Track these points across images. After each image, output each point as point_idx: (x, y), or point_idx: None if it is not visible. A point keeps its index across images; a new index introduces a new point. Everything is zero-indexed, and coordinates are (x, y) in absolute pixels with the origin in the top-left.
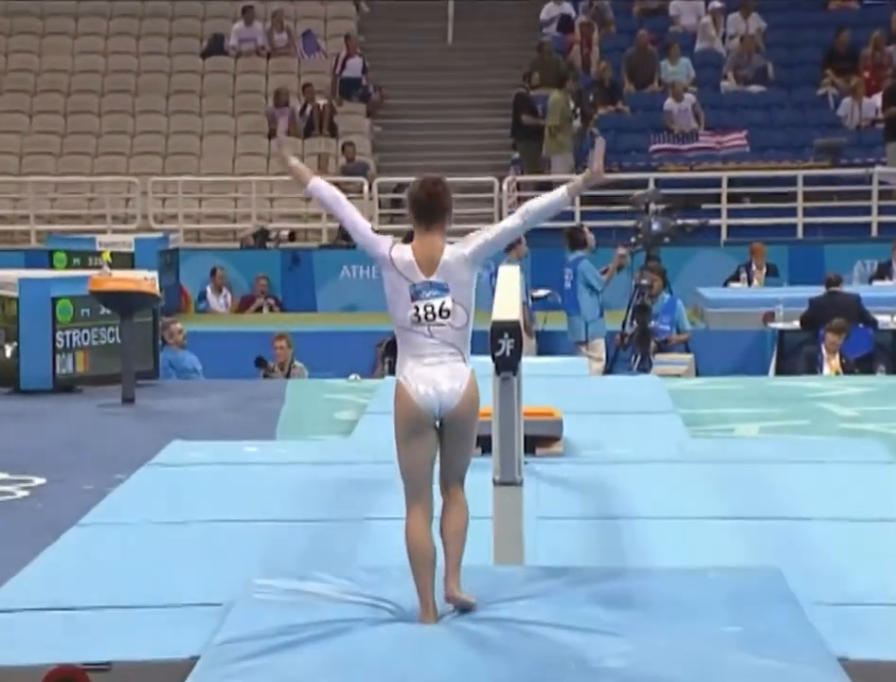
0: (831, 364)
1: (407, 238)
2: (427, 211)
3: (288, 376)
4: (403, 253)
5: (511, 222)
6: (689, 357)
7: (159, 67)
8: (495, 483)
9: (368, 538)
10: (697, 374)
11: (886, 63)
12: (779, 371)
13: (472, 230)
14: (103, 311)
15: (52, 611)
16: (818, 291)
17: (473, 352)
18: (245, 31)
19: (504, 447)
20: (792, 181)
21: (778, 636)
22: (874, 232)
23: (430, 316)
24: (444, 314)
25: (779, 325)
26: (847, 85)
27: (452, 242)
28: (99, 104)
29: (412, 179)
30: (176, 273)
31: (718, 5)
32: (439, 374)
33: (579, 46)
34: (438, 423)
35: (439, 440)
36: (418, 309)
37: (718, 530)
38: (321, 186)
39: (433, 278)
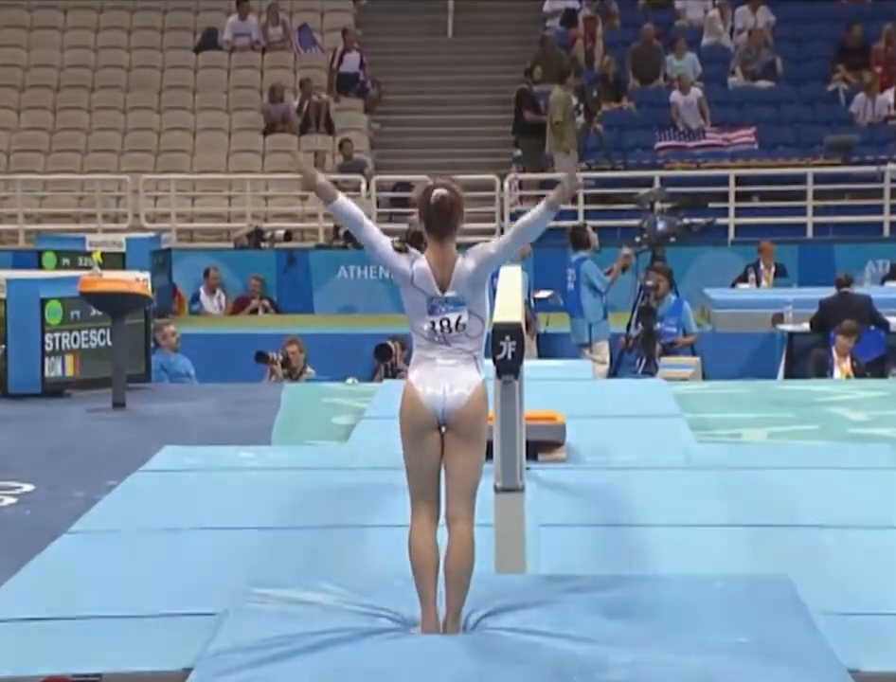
0: (841, 367)
1: (412, 238)
2: (439, 225)
3: (296, 380)
4: (420, 266)
5: (506, 237)
6: (695, 360)
7: (151, 62)
8: (497, 490)
9: (366, 546)
10: (704, 378)
11: None
12: (788, 375)
13: (472, 229)
14: (94, 312)
15: (41, 621)
16: (829, 292)
17: None
18: (240, 25)
19: (505, 452)
20: (801, 179)
21: (787, 646)
22: (886, 231)
23: (447, 330)
24: (461, 327)
25: (789, 327)
26: (858, 81)
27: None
28: (89, 100)
29: (411, 177)
30: (169, 273)
31: None
32: (449, 377)
33: (582, 41)
34: (443, 428)
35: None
36: (434, 323)
37: (725, 538)
38: (346, 204)
39: (448, 294)
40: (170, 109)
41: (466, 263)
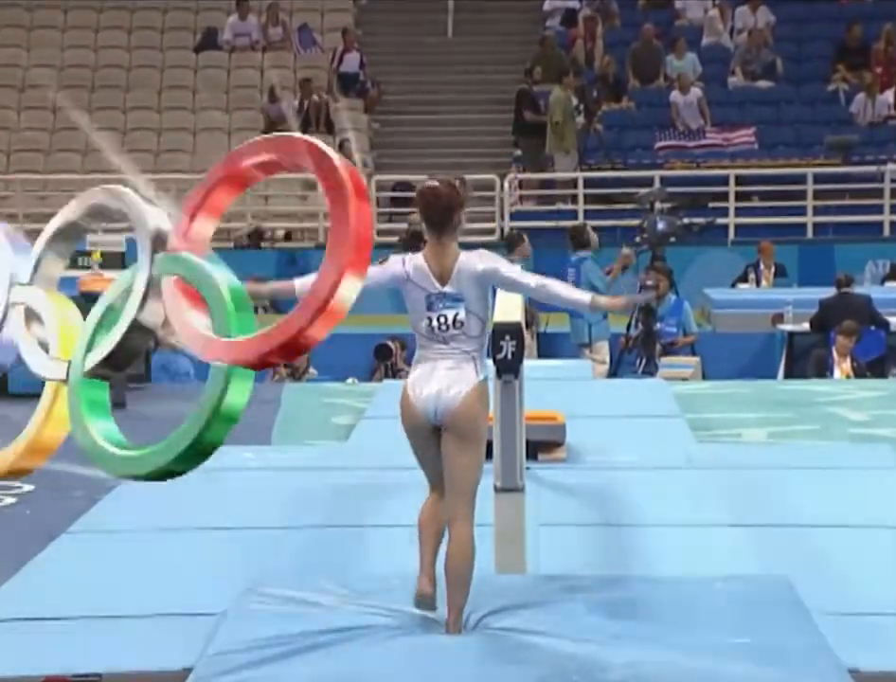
0: (841, 367)
1: (410, 238)
2: (431, 216)
3: (299, 380)
4: (417, 263)
5: (529, 280)
6: (695, 360)
7: (151, 62)
8: (496, 489)
9: (366, 546)
10: (704, 378)
11: None
12: (788, 375)
13: (472, 229)
14: None
15: (41, 621)
16: (829, 292)
17: None
18: (240, 25)
19: (505, 452)
20: (801, 179)
21: (786, 646)
22: (886, 231)
23: (444, 328)
24: (458, 324)
25: (789, 327)
26: (858, 81)
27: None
28: (89, 100)
29: (411, 177)
30: None
31: None
32: (446, 377)
33: (582, 41)
34: (442, 429)
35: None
36: (431, 320)
37: (725, 538)
38: (307, 285)
39: (447, 289)
40: (170, 109)
41: (474, 262)
